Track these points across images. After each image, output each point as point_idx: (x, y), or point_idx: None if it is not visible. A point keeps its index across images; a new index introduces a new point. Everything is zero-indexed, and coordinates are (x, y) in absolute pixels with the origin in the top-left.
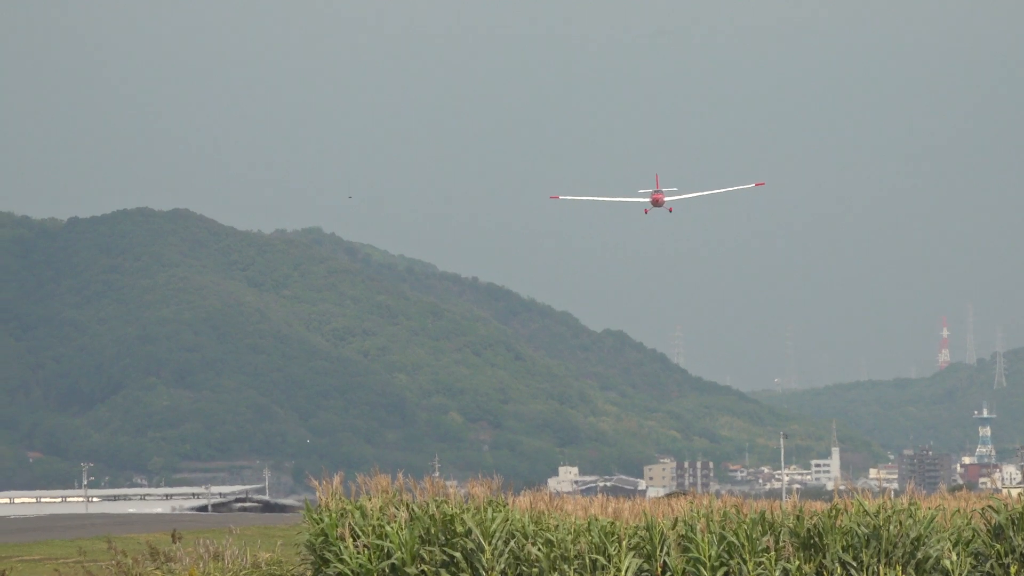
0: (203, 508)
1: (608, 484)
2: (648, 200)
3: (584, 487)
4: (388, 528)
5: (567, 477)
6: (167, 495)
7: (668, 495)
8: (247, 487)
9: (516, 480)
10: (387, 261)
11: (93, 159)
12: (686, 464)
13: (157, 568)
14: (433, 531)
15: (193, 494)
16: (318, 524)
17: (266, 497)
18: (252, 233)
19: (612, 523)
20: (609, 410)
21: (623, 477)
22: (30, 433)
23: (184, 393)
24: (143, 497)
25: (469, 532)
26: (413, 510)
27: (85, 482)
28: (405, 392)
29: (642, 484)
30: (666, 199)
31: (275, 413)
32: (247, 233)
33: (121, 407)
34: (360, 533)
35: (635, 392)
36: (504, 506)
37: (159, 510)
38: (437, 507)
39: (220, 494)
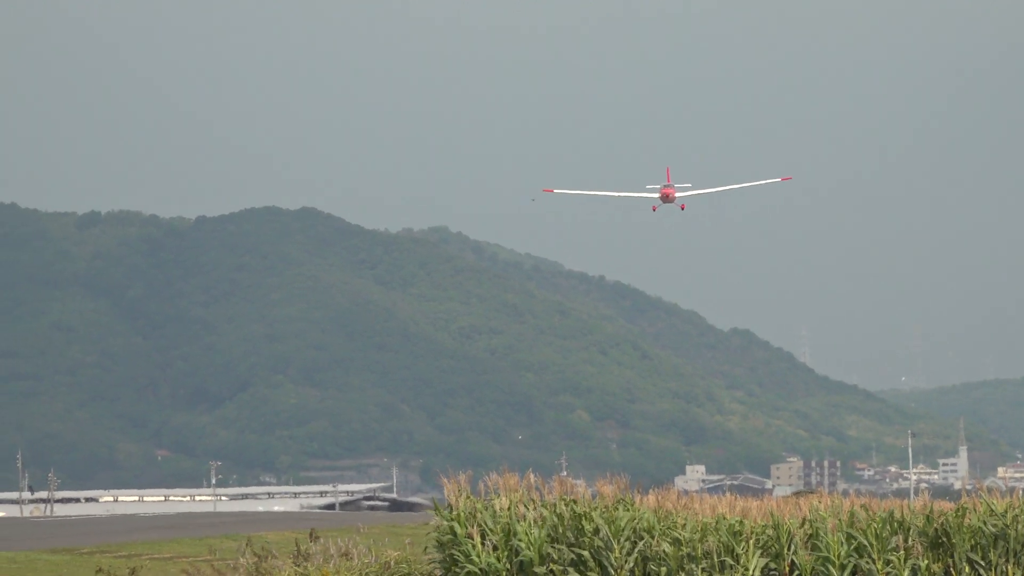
0: (331, 506)
1: (735, 483)
2: (657, 196)
3: (711, 486)
4: (517, 527)
5: (694, 476)
6: (295, 493)
7: (795, 494)
8: (375, 485)
9: (643, 479)
10: (513, 259)
11: (222, 158)
12: (813, 463)
13: (296, 566)
14: (561, 530)
15: (321, 492)
16: (447, 523)
17: (394, 495)
18: (379, 232)
19: (740, 522)
20: (736, 409)
21: (750, 476)
22: (158, 431)
23: (312, 391)
24: (271, 495)
25: (598, 531)
26: (542, 509)
27: (213, 480)
28: (532, 391)
29: (769, 483)
30: (678, 195)
31: (402, 411)
32: (374, 232)
33: (249, 405)
34: (489, 532)
35: (762, 391)
36: (632, 505)
37: (287, 508)
38: (566, 506)
39: (348, 492)
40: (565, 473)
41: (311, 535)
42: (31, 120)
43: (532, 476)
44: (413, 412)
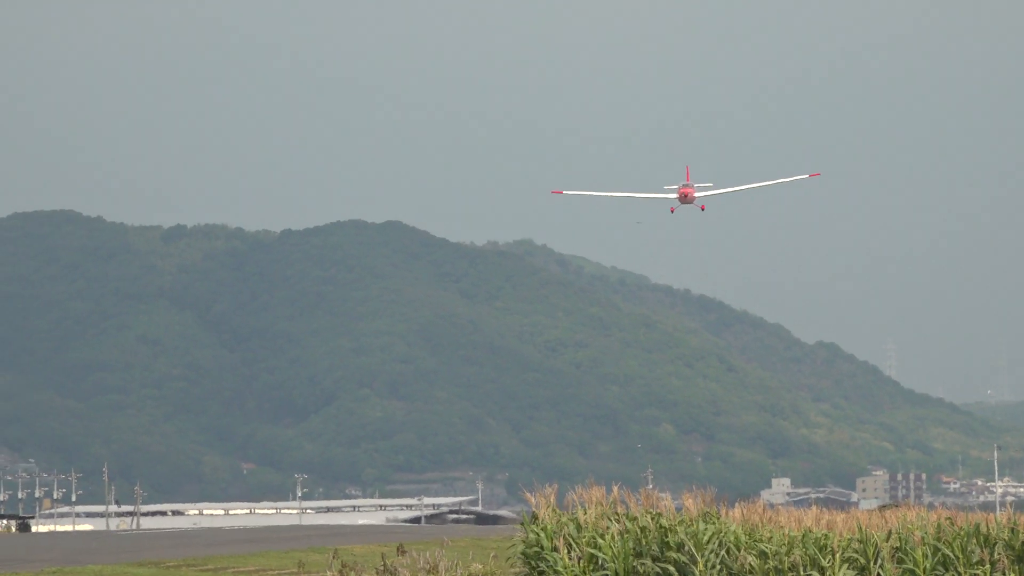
0: (416, 520)
1: (820, 496)
2: (675, 196)
3: (796, 499)
4: (602, 540)
5: (779, 489)
6: (380, 506)
7: (881, 507)
8: (460, 499)
9: (729, 492)
10: (599, 273)
11: (307, 171)
12: (899, 476)
13: None
14: (646, 543)
15: (406, 506)
16: (533, 535)
17: (479, 508)
18: (465, 245)
19: (826, 535)
20: (821, 422)
21: (835, 489)
22: (244, 444)
23: (397, 404)
24: (357, 508)
25: (682, 544)
26: (627, 522)
27: (299, 493)
28: (617, 404)
29: (854, 496)
30: (697, 195)
31: (488, 424)
32: (459, 245)
33: (335, 418)
34: (575, 545)
35: (847, 404)
36: (717, 518)
37: (373, 522)
38: (651, 519)
39: (433, 506)
40: (651, 486)
41: (398, 549)
42: (117, 134)
43: (617, 489)
44: (498, 425)
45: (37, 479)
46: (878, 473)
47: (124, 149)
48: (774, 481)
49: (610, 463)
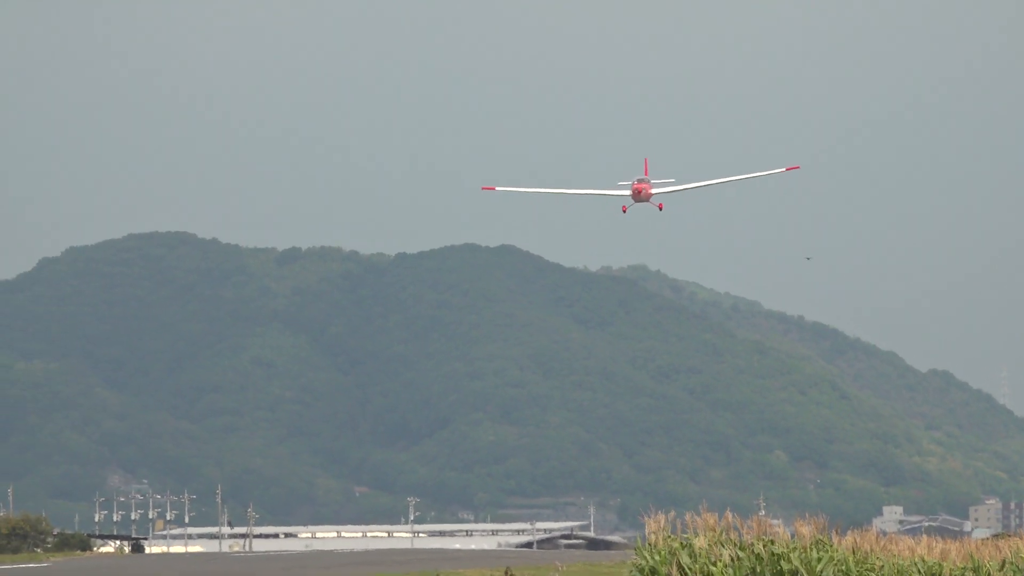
0: (528, 544)
1: (933, 524)
2: (628, 193)
3: (908, 527)
4: (715, 567)
5: (891, 517)
6: (493, 531)
7: (994, 536)
8: (572, 524)
9: (841, 519)
10: (712, 299)
11: (422, 194)
12: (1012, 505)
13: None
14: (759, 570)
15: (518, 530)
16: (646, 561)
17: (591, 534)
18: (578, 270)
19: (939, 564)
20: (934, 450)
21: (948, 518)
22: (358, 467)
23: (510, 429)
24: (469, 533)
25: (796, 571)
26: (739, 550)
27: (411, 517)
28: (730, 430)
29: (967, 525)
30: (654, 191)
31: (600, 450)
32: (573, 270)
33: (448, 442)
34: (688, 571)
35: (961, 432)
36: (830, 546)
37: (485, 546)
38: (764, 546)
39: (545, 530)
40: (763, 513)
41: (506, 573)
42: (231, 156)
43: (730, 516)
44: (611, 450)
45: (151, 500)
46: (991, 502)
47: (238, 170)
48: (886, 509)
49: (722, 489)
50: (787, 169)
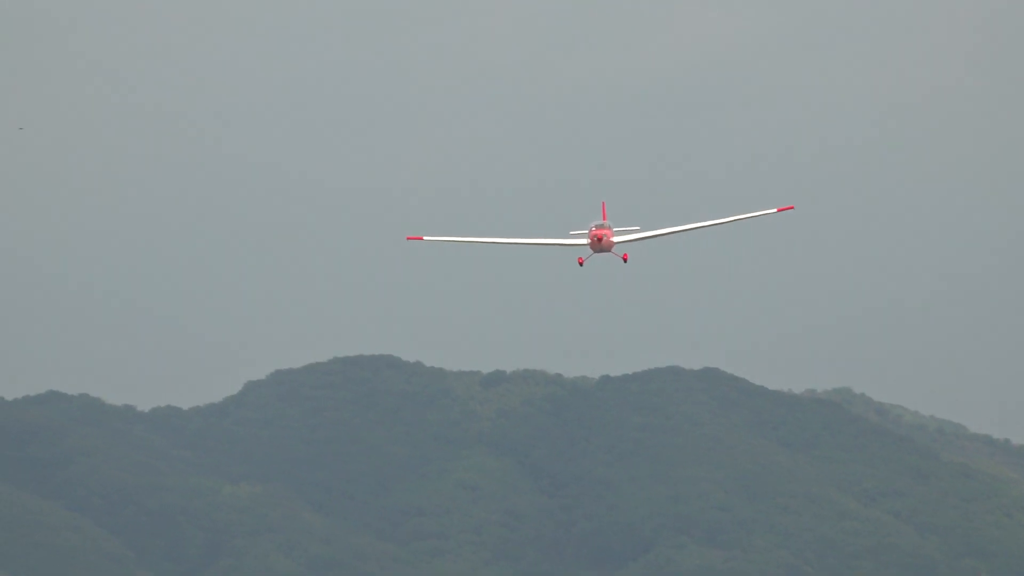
0: None
1: None
2: (586, 241)
3: None
4: None
5: None
6: None
7: None
8: None
9: None
10: (917, 422)
11: (624, 318)
12: None
13: None
14: None
15: None
16: None
17: None
18: (782, 393)
19: None
20: None
21: None
22: None
23: (715, 553)
24: None
25: None
26: None
27: None
28: (936, 553)
29: None
30: (616, 239)
31: (806, 573)
32: (777, 393)
33: (652, 566)
34: None
35: None
36: None
37: None
38: None
39: None
40: None
41: None
42: (433, 280)
43: None
44: (817, 575)
45: None
46: None
47: (442, 294)
48: None
49: None
50: (779, 210)
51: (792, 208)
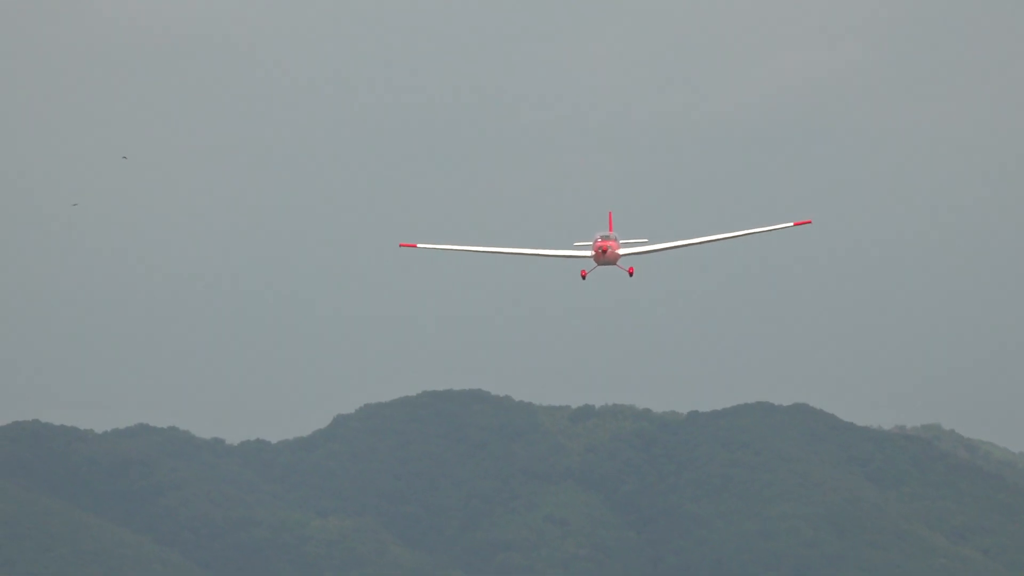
0: None
1: None
2: (591, 254)
3: None
4: None
5: None
6: None
7: None
8: None
9: None
10: (1006, 459)
11: (712, 353)
12: None
13: None
14: None
15: None
16: None
17: None
18: (872, 429)
19: None
20: None
21: None
22: None
23: None
24: None
25: None
26: None
27: None
28: None
29: None
30: (622, 251)
31: None
32: (866, 428)
33: None
34: None
35: None
36: None
37: None
38: None
39: None
40: None
41: None
42: (526, 313)
43: None
44: None
45: None
46: None
47: (531, 329)
48: None
49: None
50: (796, 224)
51: (809, 222)
